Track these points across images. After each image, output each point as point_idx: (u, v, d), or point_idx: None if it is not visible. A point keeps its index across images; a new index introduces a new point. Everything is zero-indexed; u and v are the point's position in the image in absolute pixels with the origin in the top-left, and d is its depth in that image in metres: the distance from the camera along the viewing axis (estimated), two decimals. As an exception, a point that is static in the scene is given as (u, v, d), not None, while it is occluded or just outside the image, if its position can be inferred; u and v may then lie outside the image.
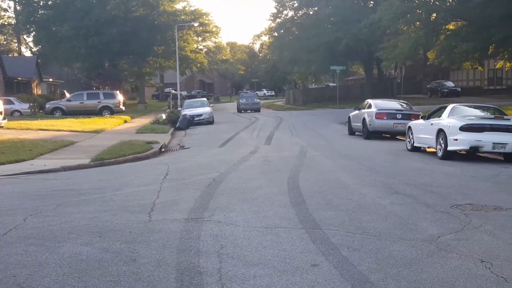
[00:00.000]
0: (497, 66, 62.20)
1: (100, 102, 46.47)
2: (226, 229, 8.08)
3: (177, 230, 8.04)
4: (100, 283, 5.85)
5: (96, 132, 29.21)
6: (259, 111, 57.66)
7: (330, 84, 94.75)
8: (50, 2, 64.09)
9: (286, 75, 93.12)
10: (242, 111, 57.56)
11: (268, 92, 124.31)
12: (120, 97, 48.13)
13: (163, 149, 23.26)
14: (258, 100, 62.10)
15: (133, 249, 7.07)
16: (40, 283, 5.87)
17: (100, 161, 18.12)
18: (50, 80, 70.65)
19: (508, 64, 55.57)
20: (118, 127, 35.14)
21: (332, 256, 6.75)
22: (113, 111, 45.90)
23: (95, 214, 9.22)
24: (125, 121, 40.07)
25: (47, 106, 47.02)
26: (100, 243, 7.37)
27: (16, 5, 69.09)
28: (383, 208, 9.48)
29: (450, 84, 66.30)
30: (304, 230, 7.97)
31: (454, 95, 59.78)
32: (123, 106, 48.06)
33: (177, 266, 6.41)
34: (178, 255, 6.80)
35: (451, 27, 51.29)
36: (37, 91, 62.29)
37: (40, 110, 47.72)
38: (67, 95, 56.59)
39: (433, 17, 47.44)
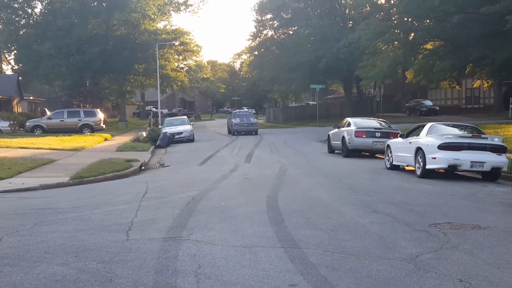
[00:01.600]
0: (474, 86, 62.82)
1: (80, 120, 46.26)
2: (204, 248, 8.03)
3: (154, 249, 7.98)
4: (76, 304, 5.79)
5: (76, 150, 29.01)
6: (256, 133, 46.27)
7: (310, 103, 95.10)
8: (31, 21, 63.88)
9: (266, 93, 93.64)
10: (235, 133, 46.01)
11: (248, 110, 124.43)
12: (100, 115, 47.97)
13: (143, 167, 23.14)
14: (255, 120, 49.35)
15: (109, 269, 7.00)
16: (14, 304, 5.79)
17: (79, 179, 17.99)
18: (31, 98, 70.24)
19: (485, 84, 56.15)
20: (98, 145, 34.94)
21: (311, 275, 6.72)
22: (93, 129, 45.69)
23: (72, 233, 9.13)
24: (106, 139, 39.86)
25: (27, 124, 46.70)
26: (76, 263, 7.29)
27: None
28: (362, 227, 9.48)
29: (428, 103, 66.79)
30: (282, 250, 7.94)
31: (432, 114, 60.21)
32: (103, 124, 47.87)
33: (154, 286, 6.35)
34: (155, 275, 6.74)
35: (429, 46, 51.74)
36: (17, 109, 61.85)
37: (20, 128, 47.36)
38: (48, 113, 56.26)
39: (411, 37, 47.87)
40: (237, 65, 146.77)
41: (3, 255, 7.71)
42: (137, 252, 7.80)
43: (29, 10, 64.00)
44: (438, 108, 63.55)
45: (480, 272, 6.91)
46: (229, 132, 48.39)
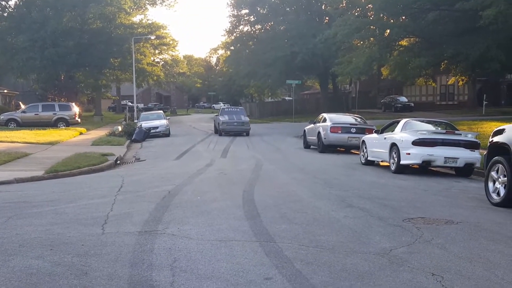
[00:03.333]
0: (449, 83, 63.40)
1: (55, 113, 46.01)
2: (180, 242, 8.04)
3: (130, 243, 7.97)
4: (51, 297, 5.79)
5: (51, 144, 28.84)
6: (247, 134, 39.58)
7: (286, 98, 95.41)
8: (5, 14, 63.16)
9: (242, 89, 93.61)
10: (223, 134, 39.71)
11: (225, 105, 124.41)
12: (75, 109, 47.75)
13: (118, 162, 23.09)
14: (247, 119, 41.09)
15: (85, 262, 6.99)
16: (-11, 297, 5.78)
17: (54, 173, 17.89)
18: (5, 91, 69.61)
19: (460, 80, 56.63)
20: (73, 139, 34.76)
21: (286, 269, 6.76)
22: (68, 123, 45.47)
23: (47, 226, 9.09)
24: (81, 133, 39.67)
25: (1, 117, 46.32)
26: (51, 256, 7.26)
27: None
28: (337, 222, 9.55)
29: (403, 99, 67.28)
30: (258, 243, 7.98)
31: (407, 110, 60.72)
32: (78, 118, 47.62)
33: (129, 279, 6.35)
34: (130, 269, 6.74)
35: (404, 43, 52.08)
36: (-9, 102, 61.36)
37: (-6, 121, 46.97)
38: (22, 106, 55.83)
39: (387, 33, 48.15)
40: (213, 60, 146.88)
41: (-23, 249, 7.67)
42: (113, 246, 7.79)
43: (3, 3, 63.10)
44: (413, 105, 64.07)
45: (452, 266, 6.99)
46: (216, 131, 41.70)
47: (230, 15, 75.69)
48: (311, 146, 27.90)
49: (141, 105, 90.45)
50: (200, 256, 7.29)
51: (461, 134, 17.43)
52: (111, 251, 7.53)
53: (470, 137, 17.27)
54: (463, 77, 54.49)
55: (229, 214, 10.17)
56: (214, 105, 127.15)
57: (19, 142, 28.30)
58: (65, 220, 9.65)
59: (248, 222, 9.45)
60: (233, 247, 7.77)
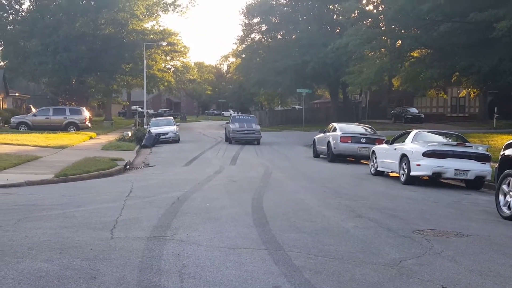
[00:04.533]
0: (460, 95, 63.15)
1: (66, 118, 46.17)
2: (189, 248, 8.03)
3: (139, 248, 7.96)
4: (59, 300, 5.78)
5: (61, 147, 28.92)
6: (258, 143, 38.31)
7: (296, 107, 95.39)
8: (19, 18, 63.48)
9: (252, 96, 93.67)
10: (233, 142, 38.43)
11: (235, 113, 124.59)
12: (86, 113, 47.90)
13: (128, 167, 23.11)
14: (258, 127, 39.50)
15: (93, 266, 6.98)
16: (-3, 299, 5.78)
17: (64, 177, 17.93)
18: (17, 94, 69.92)
19: (471, 93, 56.44)
20: (83, 143, 34.86)
21: (294, 278, 6.74)
22: (79, 127, 45.61)
23: (56, 230, 9.10)
24: (91, 138, 39.81)
25: (12, 120, 46.56)
26: (60, 259, 7.27)
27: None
28: (346, 232, 9.52)
29: (414, 110, 67.13)
30: (267, 252, 7.96)
31: (417, 121, 60.53)
32: (89, 122, 47.74)
33: (138, 284, 6.33)
34: (139, 274, 6.73)
35: (416, 54, 51.95)
36: (3, 105, 61.57)
37: (5, 124, 47.18)
38: (33, 110, 56.06)
39: (398, 44, 48.06)
40: (224, 67, 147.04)
41: (-13, 250, 7.68)
42: (121, 251, 7.79)
43: (17, 7, 63.57)
44: (423, 116, 63.90)
45: (462, 279, 6.95)
46: (226, 139, 40.19)
47: (242, 23, 75.85)
48: (321, 155, 27.86)
49: (151, 111, 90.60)
50: (208, 263, 7.27)
51: (472, 146, 17.33)
52: (120, 255, 7.52)
53: (481, 149, 17.18)
54: (475, 90, 54.30)
55: (238, 221, 10.15)
56: (223, 112, 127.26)
57: (30, 145, 28.40)
58: (74, 224, 9.65)
59: (257, 230, 9.42)
60: (241, 254, 7.75)
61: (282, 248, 8.15)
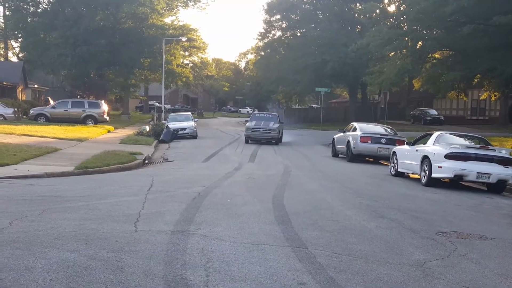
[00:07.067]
0: (481, 98, 62.64)
1: (84, 111, 46.32)
2: (212, 243, 8.04)
3: (163, 241, 7.99)
4: (88, 290, 5.81)
5: (80, 140, 29.02)
6: (277, 143, 35.80)
7: (314, 106, 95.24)
8: (39, 10, 63.81)
9: (270, 94, 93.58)
10: (249, 141, 35.87)
11: (251, 110, 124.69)
12: (104, 107, 48.03)
13: (146, 161, 23.18)
14: (276, 126, 36.00)
15: (119, 258, 7.02)
16: (27, 287, 5.81)
17: (84, 169, 18.00)
18: (35, 86, 70.30)
19: (493, 96, 56.04)
20: (101, 136, 34.97)
21: (319, 275, 6.74)
22: (97, 120, 45.75)
23: (80, 221, 9.14)
24: (109, 131, 39.92)
25: (31, 112, 46.79)
26: (86, 250, 7.31)
27: (6, 10, 68.56)
28: (368, 231, 9.49)
29: (433, 112, 66.79)
30: (290, 249, 7.96)
31: (437, 123, 60.27)
32: (107, 116, 47.91)
33: (164, 277, 6.37)
34: (164, 267, 6.76)
35: (437, 55, 51.72)
36: (21, 96, 61.92)
37: (24, 115, 47.45)
38: (51, 102, 56.37)
39: (419, 45, 47.85)
40: (242, 64, 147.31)
41: (14, 239, 7.70)
42: (146, 244, 7.82)
43: (37, -1, 64.03)
44: (443, 118, 63.57)
45: (488, 282, 6.93)
46: (245, 139, 36.57)
47: (264, 19, 75.76)
48: (339, 155, 27.78)
49: (168, 106, 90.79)
50: (233, 258, 7.29)
51: (495, 149, 17.18)
52: (145, 248, 7.55)
53: (504, 153, 17.03)
54: (496, 93, 53.94)
55: (260, 218, 10.15)
56: (240, 109, 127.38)
57: (49, 137, 28.52)
58: (98, 216, 9.69)
59: (279, 227, 9.42)
60: (265, 251, 7.76)
61: (305, 246, 8.16)
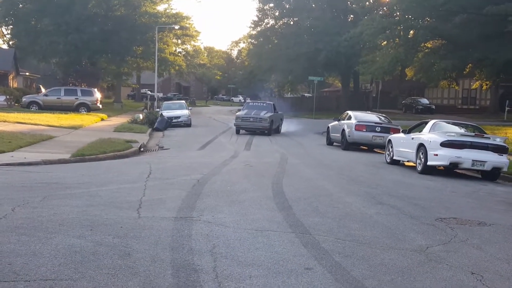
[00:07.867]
0: (473, 87, 62.88)
1: (77, 98, 46.22)
2: (217, 229, 8.10)
3: (167, 228, 8.04)
4: (97, 275, 5.85)
5: (74, 128, 29.00)
6: (269, 133, 33.21)
7: (306, 94, 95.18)
8: (30, -4, 63.45)
9: (263, 83, 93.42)
10: (240, 132, 33.86)
11: (244, 99, 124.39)
12: (97, 94, 47.99)
13: (142, 149, 23.17)
14: (267, 115, 33.27)
15: (126, 244, 7.06)
16: (36, 272, 5.84)
17: (80, 157, 18.00)
18: (27, 73, 69.91)
19: (484, 85, 56.26)
20: (95, 124, 34.96)
21: (325, 260, 6.82)
22: (90, 108, 45.68)
23: (83, 208, 9.17)
24: (102, 119, 39.87)
25: (23, 99, 46.67)
26: (92, 236, 7.35)
27: (-4, -3, 68.19)
28: (369, 217, 9.57)
29: (425, 101, 67.07)
30: (294, 235, 8.03)
31: (428, 112, 60.52)
32: (100, 104, 47.81)
33: (172, 262, 6.42)
34: (171, 252, 6.82)
35: (429, 45, 51.84)
36: (13, 84, 61.58)
37: (16, 103, 47.30)
38: (43, 89, 56.17)
39: (411, 35, 47.99)
40: (234, 53, 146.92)
41: (19, 225, 7.73)
42: (151, 230, 7.86)
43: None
44: (434, 107, 63.85)
45: (490, 266, 7.02)
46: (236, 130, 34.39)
47: (257, 7, 75.42)
48: (334, 143, 27.86)
49: (160, 95, 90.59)
50: (238, 244, 7.35)
51: (489, 137, 17.29)
52: (150, 234, 7.60)
53: (498, 141, 17.14)
54: (487, 82, 54.16)
55: (261, 205, 10.21)
56: (233, 98, 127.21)
57: (43, 125, 28.50)
58: (100, 203, 9.72)
59: (281, 214, 9.49)
60: (270, 236, 7.83)
61: (308, 232, 8.23)
